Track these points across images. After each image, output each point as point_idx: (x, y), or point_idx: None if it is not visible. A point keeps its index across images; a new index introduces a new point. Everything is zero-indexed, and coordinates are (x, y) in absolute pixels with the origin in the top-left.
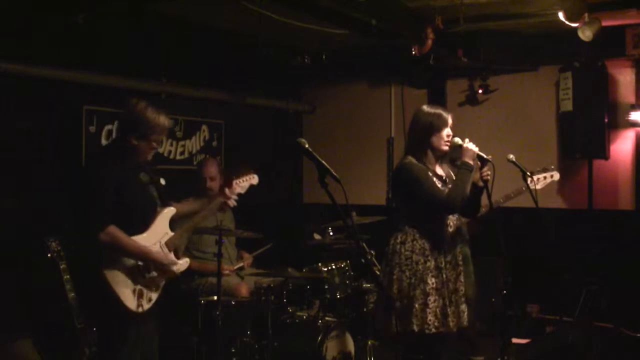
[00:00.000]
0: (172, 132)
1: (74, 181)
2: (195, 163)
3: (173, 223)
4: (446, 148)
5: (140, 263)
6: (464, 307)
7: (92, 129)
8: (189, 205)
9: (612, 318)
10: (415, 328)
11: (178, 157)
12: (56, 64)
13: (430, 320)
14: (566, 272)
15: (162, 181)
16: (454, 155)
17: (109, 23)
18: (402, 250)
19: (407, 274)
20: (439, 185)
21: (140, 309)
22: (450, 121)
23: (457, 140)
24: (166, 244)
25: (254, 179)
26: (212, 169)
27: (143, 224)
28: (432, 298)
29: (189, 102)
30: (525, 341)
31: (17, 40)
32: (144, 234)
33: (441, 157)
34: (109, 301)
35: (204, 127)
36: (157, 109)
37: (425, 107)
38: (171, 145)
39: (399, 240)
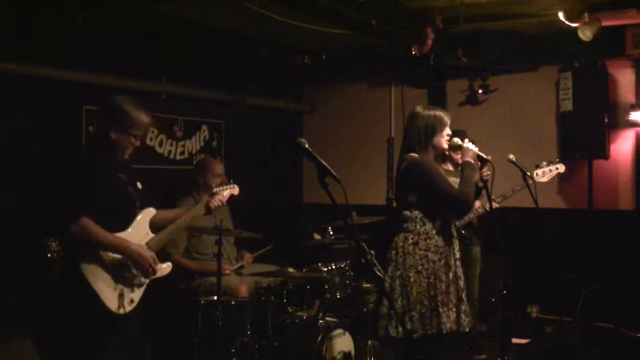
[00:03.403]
0: (172, 132)
1: (57, 173)
2: (195, 162)
3: (153, 227)
4: (447, 146)
5: (118, 257)
6: (467, 306)
7: (92, 129)
8: (170, 213)
9: (612, 318)
10: (435, 330)
11: (178, 157)
12: (56, 64)
13: (448, 319)
14: (566, 272)
15: (140, 185)
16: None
17: (109, 23)
18: (416, 250)
19: (425, 274)
20: None
21: (121, 310)
22: (449, 122)
23: (457, 140)
24: (147, 244)
25: (234, 189)
26: (219, 167)
27: (122, 223)
28: (447, 296)
29: (189, 102)
30: (525, 341)
31: (17, 40)
32: (128, 230)
33: (440, 155)
34: (88, 300)
35: (204, 127)
36: (137, 105)
37: (422, 109)
38: (171, 145)
39: (410, 241)
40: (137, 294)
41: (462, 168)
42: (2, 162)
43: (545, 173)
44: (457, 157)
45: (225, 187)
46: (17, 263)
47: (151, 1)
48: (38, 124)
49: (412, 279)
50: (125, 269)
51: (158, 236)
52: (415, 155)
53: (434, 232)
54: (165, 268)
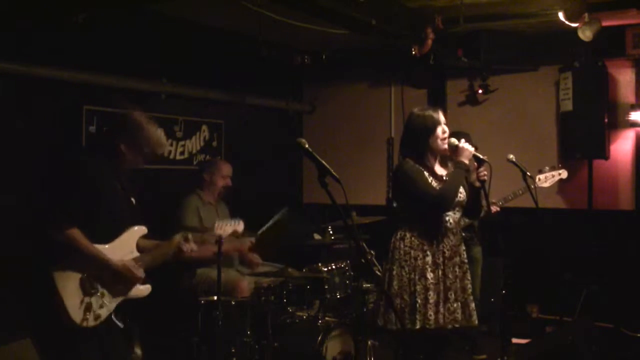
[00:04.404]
0: (172, 132)
1: (54, 172)
2: (195, 163)
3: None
4: (445, 147)
5: (92, 270)
6: (473, 305)
7: (92, 129)
8: (149, 242)
9: (612, 318)
10: (418, 324)
11: (178, 157)
12: (56, 64)
13: (430, 316)
14: (566, 272)
15: (133, 200)
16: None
17: (109, 23)
18: (402, 246)
19: (407, 269)
20: (435, 184)
21: (84, 324)
22: (442, 119)
23: (454, 140)
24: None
25: (239, 226)
26: (228, 169)
27: (109, 234)
28: (431, 293)
29: (189, 102)
30: (525, 341)
31: (17, 40)
32: (107, 245)
33: (442, 157)
34: (52, 308)
35: (204, 127)
36: (156, 125)
37: (415, 111)
38: (171, 145)
39: (398, 236)
40: (104, 311)
41: (454, 167)
42: (2, 162)
43: (548, 178)
44: None
45: (230, 223)
46: (17, 263)
47: (151, 1)
48: (38, 124)
49: (394, 272)
50: (97, 284)
51: (140, 258)
52: (408, 159)
53: (420, 230)
54: (143, 290)
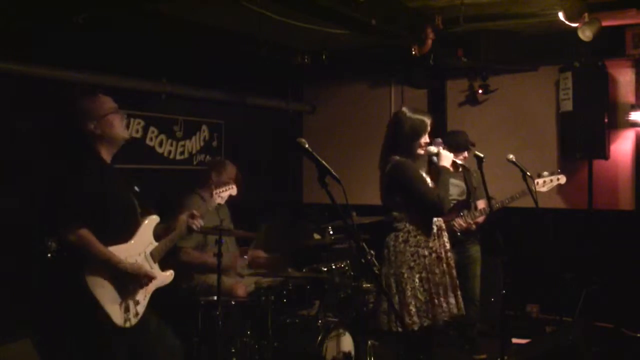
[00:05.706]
0: (172, 132)
1: (55, 174)
2: (195, 162)
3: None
4: (422, 152)
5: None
6: (452, 300)
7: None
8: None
9: (612, 318)
10: (432, 321)
11: (178, 157)
12: (56, 64)
13: (446, 307)
14: (566, 272)
15: (137, 188)
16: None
17: (109, 23)
18: (407, 248)
19: (417, 269)
20: (430, 184)
21: (127, 324)
22: (428, 127)
23: (433, 148)
24: (151, 254)
25: (232, 190)
26: (234, 171)
27: (126, 232)
28: (441, 287)
29: (189, 102)
30: (525, 341)
31: (17, 40)
32: (131, 241)
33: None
34: (91, 314)
35: (204, 127)
36: (91, 91)
37: (406, 112)
38: (171, 145)
39: (400, 239)
40: (141, 306)
41: (440, 173)
42: (2, 162)
43: (546, 183)
44: (458, 158)
45: (224, 188)
46: (17, 263)
47: (151, 1)
48: (38, 124)
49: (405, 275)
50: (128, 282)
51: (160, 245)
52: (398, 157)
53: (423, 228)
54: (168, 276)
